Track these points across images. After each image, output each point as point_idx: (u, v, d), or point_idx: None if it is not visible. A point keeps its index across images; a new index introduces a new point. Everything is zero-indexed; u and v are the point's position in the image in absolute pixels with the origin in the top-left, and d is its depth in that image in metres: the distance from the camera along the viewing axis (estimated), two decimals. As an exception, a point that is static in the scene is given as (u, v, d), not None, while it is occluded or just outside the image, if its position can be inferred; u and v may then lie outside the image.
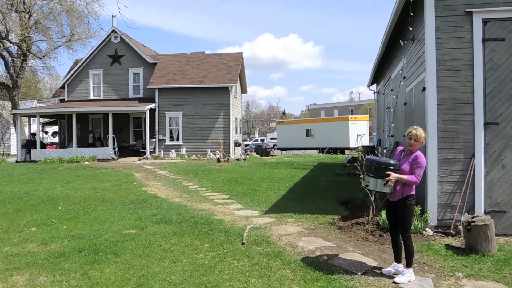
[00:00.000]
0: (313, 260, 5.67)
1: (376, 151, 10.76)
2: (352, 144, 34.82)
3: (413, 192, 5.11)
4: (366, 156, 5.71)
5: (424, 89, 7.52)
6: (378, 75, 17.95)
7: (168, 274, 5.17)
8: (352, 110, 68.64)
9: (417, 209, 7.25)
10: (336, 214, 8.57)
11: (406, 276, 5.00)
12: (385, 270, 5.30)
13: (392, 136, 13.27)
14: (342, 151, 36.84)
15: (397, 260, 5.30)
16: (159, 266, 5.43)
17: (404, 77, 10.03)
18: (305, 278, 5.02)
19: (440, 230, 7.16)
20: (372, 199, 7.56)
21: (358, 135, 35.50)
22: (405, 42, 9.52)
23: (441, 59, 7.21)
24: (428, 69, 7.26)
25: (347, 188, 11.74)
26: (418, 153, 5.07)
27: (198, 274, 5.15)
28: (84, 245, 6.40)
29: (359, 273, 5.21)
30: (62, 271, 5.29)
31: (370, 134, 40.73)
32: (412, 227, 6.86)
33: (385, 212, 7.15)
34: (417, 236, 6.82)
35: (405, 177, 4.98)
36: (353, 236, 6.90)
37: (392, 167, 5.06)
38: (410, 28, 8.33)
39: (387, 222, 6.81)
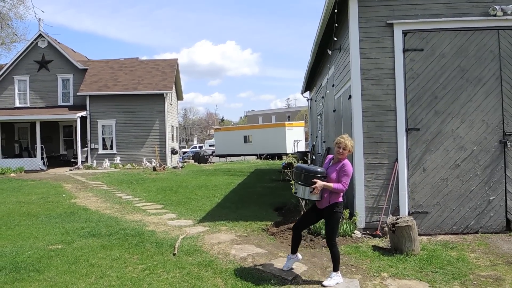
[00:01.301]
0: (245, 268, 5.68)
1: (305, 157, 11.00)
2: (289, 150, 35.43)
3: (340, 200, 5.23)
4: (296, 164, 5.78)
5: (350, 97, 7.80)
6: (310, 83, 18.43)
7: (94, 290, 4.98)
8: (289, 117, 69.95)
9: (346, 212, 7.49)
10: (270, 220, 8.67)
11: (334, 279, 5.14)
12: (285, 265, 5.58)
13: (324, 142, 13.66)
14: (279, 156, 37.41)
15: (293, 251, 5.57)
16: (84, 282, 5.21)
17: (333, 85, 10.36)
18: (236, 286, 5.02)
19: (368, 232, 7.43)
20: (303, 204, 7.72)
21: (294, 140, 36.23)
22: (332, 51, 9.84)
23: (365, 68, 7.51)
24: (353, 77, 7.55)
25: (281, 194, 11.91)
26: (346, 161, 5.20)
27: (126, 288, 5.01)
28: (5, 263, 6.02)
29: (289, 278, 5.29)
30: (-23, 293, 4.95)
31: (306, 139, 41.66)
32: (341, 230, 7.10)
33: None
34: (346, 238, 7.05)
35: (331, 185, 5.10)
36: (285, 242, 6.99)
37: (319, 175, 5.16)
38: (335, 38, 8.61)
39: (317, 226, 7.01)
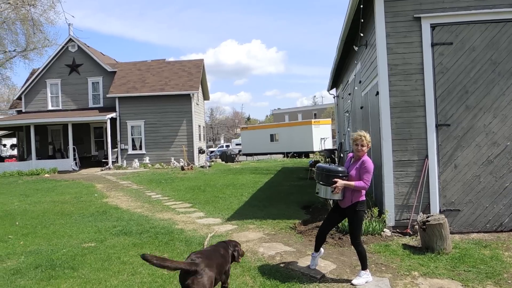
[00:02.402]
0: (273, 266, 5.70)
1: (332, 155, 10.93)
2: (316, 148, 35.25)
3: (363, 198, 5.17)
4: (317, 164, 5.76)
5: (377, 93, 7.72)
6: (336, 80, 18.28)
7: (127, 286, 5.09)
8: (315, 114, 69.60)
9: (375, 210, 7.42)
10: (297, 218, 8.66)
11: (363, 277, 5.10)
12: (311, 264, 5.58)
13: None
14: (306, 154, 37.25)
15: (316, 250, 5.57)
16: (117, 279, 5.33)
17: (360, 82, 10.26)
18: (265, 284, 5.05)
19: (398, 230, 7.33)
20: (331, 203, 7.66)
21: (321, 138, 36.01)
22: (358, 47, 9.74)
23: (393, 63, 7.41)
24: (380, 73, 7.46)
25: (308, 192, 11.87)
26: (365, 158, 5.15)
27: (157, 285, 5.09)
28: (41, 261, 6.22)
29: (318, 277, 5.28)
30: (16, 289, 5.13)
31: (333, 137, 41.36)
32: (370, 228, 7.03)
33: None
34: (375, 237, 6.97)
35: (352, 183, 5.05)
36: (314, 240, 6.93)
37: (340, 174, 5.14)
38: (361, 34, 8.53)
39: (345, 224, 6.97)
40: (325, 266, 5.64)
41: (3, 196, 14.19)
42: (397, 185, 7.42)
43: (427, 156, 7.32)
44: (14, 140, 34.40)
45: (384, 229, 7.21)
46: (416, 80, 7.38)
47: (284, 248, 6.52)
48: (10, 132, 31.78)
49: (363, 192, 5.15)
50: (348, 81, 13.79)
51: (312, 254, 5.63)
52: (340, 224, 7.16)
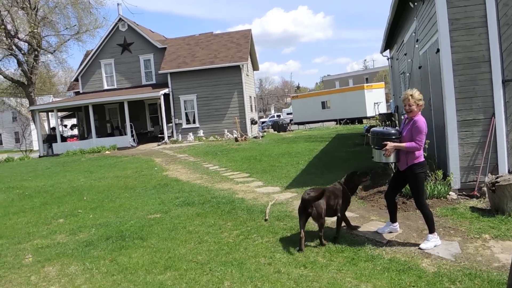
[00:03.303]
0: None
1: (393, 118, 10.60)
2: (370, 113, 34.43)
3: (419, 160, 5.03)
4: (371, 129, 5.67)
5: (438, 50, 7.35)
6: (390, 41, 17.59)
7: (195, 254, 5.25)
8: (367, 79, 67.76)
9: (439, 173, 7.18)
10: (358, 184, 8.54)
11: (431, 241, 4.98)
12: (380, 229, 5.50)
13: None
14: (359, 120, 36.55)
15: (392, 220, 5.46)
16: (185, 248, 5.51)
17: (417, 40, 9.81)
18: (330, 250, 5.05)
19: (464, 193, 7.07)
20: (393, 166, 7.48)
21: (375, 103, 35.04)
22: (415, 4, 9.28)
23: (453, 18, 7.00)
24: (440, 29, 7.08)
25: (366, 158, 11.63)
26: (417, 117, 4.99)
27: (224, 252, 5.22)
28: (111, 233, 6.53)
29: (384, 242, 5.21)
30: (91, 259, 5.42)
31: (387, 101, 40.22)
32: (436, 192, 6.82)
33: None
34: (440, 200, 6.76)
35: (403, 144, 4.97)
36: (376, 205, 6.88)
37: (393, 137, 5.07)
38: (420, -11, 8.09)
39: (408, 189, 6.81)
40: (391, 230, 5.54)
41: (69, 174, 14.96)
42: (462, 146, 7.11)
43: (493, 114, 6.94)
44: (74, 121, 35.99)
45: (450, 192, 6.97)
46: (479, 34, 6.94)
47: (347, 214, 6.44)
48: (70, 113, 33.23)
49: (419, 153, 5.00)
50: (403, 41, 13.23)
51: (387, 222, 5.56)
52: (404, 189, 7.00)
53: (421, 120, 4.95)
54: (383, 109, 35.11)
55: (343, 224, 5.79)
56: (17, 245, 6.48)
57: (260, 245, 5.36)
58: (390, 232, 5.46)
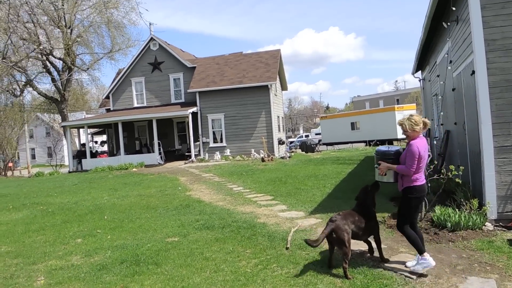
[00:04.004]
0: (362, 263, 5.29)
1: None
2: (400, 135, 33.62)
3: (415, 183, 4.94)
4: (376, 148, 5.71)
5: (473, 72, 6.95)
6: (422, 61, 17.12)
7: (209, 284, 4.97)
8: (398, 100, 66.73)
9: (475, 202, 6.72)
10: (386, 211, 8.11)
11: (420, 263, 4.89)
12: (411, 264, 5.10)
13: (441, 124, 12.56)
14: (390, 142, 35.72)
15: (420, 251, 5.06)
16: (200, 277, 5.24)
17: (451, 61, 9.40)
18: (355, 285, 4.68)
19: (501, 224, 6.58)
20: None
21: (405, 125, 34.23)
22: (449, 24, 8.92)
23: (490, 38, 6.63)
24: (476, 50, 6.70)
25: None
26: (412, 141, 4.96)
27: (240, 284, 4.92)
28: (126, 256, 6.33)
29: (413, 277, 4.81)
30: (102, 285, 5.22)
31: (418, 123, 39.20)
32: (470, 223, 6.36)
33: (438, 207, 6.71)
34: (476, 232, 6.29)
35: (394, 166, 5.04)
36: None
37: (391, 157, 5.12)
38: (453, 8, 7.75)
39: (441, 218, 6.41)
40: (420, 265, 5.13)
41: (94, 191, 14.98)
42: (499, 173, 6.65)
43: (534, 141, 6.47)
44: (104, 137, 36.62)
45: (486, 223, 6.50)
46: (518, 55, 6.53)
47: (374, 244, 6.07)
48: (100, 129, 33.80)
49: (416, 177, 4.93)
50: (436, 62, 12.79)
51: (417, 256, 5.04)
52: (435, 218, 6.58)
53: (415, 144, 4.90)
54: (414, 131, 34.25)
55: (368, 256, 5.42)
56: (31, 265, 6.36)
57: (279, 277, 5.03)
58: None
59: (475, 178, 7.68)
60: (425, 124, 5.02)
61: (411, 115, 5.09)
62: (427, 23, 10.29)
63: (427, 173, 6.05)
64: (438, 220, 6.50)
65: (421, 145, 4.91)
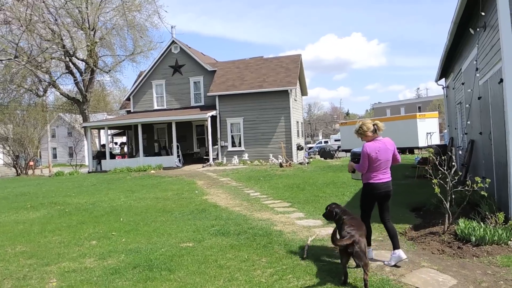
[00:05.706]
0: (382, 279, 5.06)
1: (449, 152, 9.87)
2: (422, 143, 32.99)
3: (368, 181, 5.60)
4: (352, 150, 6.44)
5: (501, 80, 6.68)
6: (446, 69, 16.75)
7: (222, 294, 4.83)
8: (419, 107, 65.81)
9: (501, 216, 6.44)
10: (407, 222, 7.86)
11: (393, 256, 5.47)
12: (386, 262, 5.58)
13: (466, 133, 12.22)
14: (410, 150, 35.11)
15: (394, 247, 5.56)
16: (213, 285, 5.10)
17: (477, 69, 9.11)
18: (375, 300, 4.48)
19: (528, 239, 6.28)
20: (448, 206, 6.77)
21: (427, 133, 33.59)
22: (476, 30, 8.64)
23: (521, 45, 6.35)
24: (504, 57, 6.43)
25: (417, 192, 10.86)
26: (363, 144, 5.62)
27: (254, 294, 4.77)
28: (139, 261, 6.23)
29: (434, 293, 4.59)
30: (114, 290, 5.12)
31: (440, 131, 38.56)
32: (496, 237, 6.08)
33: (462, 220, 6.46)
34: (501, 247, 6.00)
35: (354, 164, 5.82)
36: (427, 248, 6.20)
37: (358, 157, 5.73)
38: (483, 13, 7.49)
39: (465, 232, 6.16)
40: (443, 281, 4.89)
41: (112, 192, 15.02)
42: (527, 186, 6.35)
43: None
44: (124, 139, 36.92)
45: (512, 238, 6.20)
46: (550, 63, 6.24)
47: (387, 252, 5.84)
48: (121, 131, 34.09)
49: (371, 175, 5.56)
50: (461, 69, 12.46)
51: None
52: (459, 231, 6.32)
53: (365, 146, 5.54)
54: (436, 140, 33.58)
55: (388, 268, 5.21)
56: (45, 266, 6.30)
57: (294, 288, 4.86)
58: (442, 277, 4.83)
59: (501, 191, 7.38)
60: (377, 127, 5.57)
61: (363, 122, 5.68)
62: (453, 29, 10.03)
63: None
64: (462, 233, 6.23)
65: (371, 146, 5.50)
